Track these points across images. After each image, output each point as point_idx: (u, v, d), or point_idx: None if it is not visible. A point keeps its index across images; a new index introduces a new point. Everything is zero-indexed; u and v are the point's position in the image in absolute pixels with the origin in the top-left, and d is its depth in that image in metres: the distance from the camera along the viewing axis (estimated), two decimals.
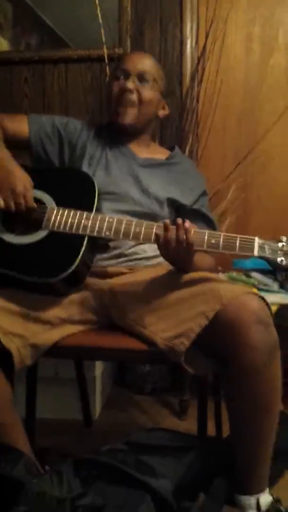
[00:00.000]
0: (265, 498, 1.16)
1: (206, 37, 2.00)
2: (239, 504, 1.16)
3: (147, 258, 1.48)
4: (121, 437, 1.26)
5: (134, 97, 1.51)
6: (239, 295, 1.14)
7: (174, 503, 1.11)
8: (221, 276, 1.70)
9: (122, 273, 1.45)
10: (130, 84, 1.51)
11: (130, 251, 1.45)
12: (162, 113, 1.64)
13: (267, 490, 1.18)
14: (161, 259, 1.45)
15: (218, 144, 2.12)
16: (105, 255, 1.44)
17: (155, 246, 1.38)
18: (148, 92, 1.53)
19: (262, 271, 1.69)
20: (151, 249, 1.47)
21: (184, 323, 1.19)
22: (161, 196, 1.50)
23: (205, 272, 1.35)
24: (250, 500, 1.15)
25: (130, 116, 1.52)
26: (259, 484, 1.16)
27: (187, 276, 1.31)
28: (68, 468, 1.14)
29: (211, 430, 1.49)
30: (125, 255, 1.46)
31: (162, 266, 1.43)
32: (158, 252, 1.40)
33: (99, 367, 1.98)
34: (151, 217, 1.46)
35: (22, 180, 1.35)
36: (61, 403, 1.91)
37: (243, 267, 1.73)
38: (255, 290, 1.49)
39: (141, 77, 1.52)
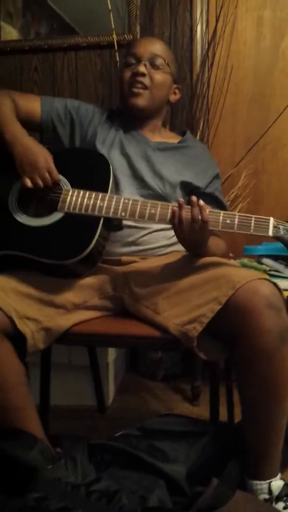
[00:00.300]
0: (277, 483, 1.17)
1: (216, 21, 1.99)
2: (251, 488, 1.17)
3: (160, 247, 1.48)
4: (134, 423, 1.27)
5: (146, 80, 1.51)
6: (252, 280, 1.14)
7: (187, 488, 1.12)
8: (233, 262, 1.70)
9: (135, 262, 1.45)
10: (142, 68, 1.50)
11: (143, 240, 1.46)
12: (173, 98, 1.63)
13: (279, 475, 1.19)
14: (173, 248, 1.46)
15: (229, 130, 2.10)
16: (117, 246, 1.45)
17: (168, 235, 1.38)
18: (160, 75, 1.53)
19: (274, 257, 1.68)
20: (163, 239, 1.48)
21: (197, 308, 1.20)
22: (174, 179, 1.49)
23: (218, 258, 1.35)
24: (262, 485, 1.16)
25: (143, 98, 1.52)
26: (271, 469, 1.17)
27: (199, 262, 1.31)
28: (82, 454, 1.15)
29: (223, 415, 1.50)
30: (138, 245, 1.46)
31: (174, 254, 1.43)
32: (170, 241, 1.41)
33: (112, 353, 2.00)
34: (164, 200, 1.45)
35: (42, 153, 1.35)
36: (75, 390, 1.92)
37: (254, 253, 1.73)
38: (266, 276, 1.49)
39: (153, 61, 1.52)
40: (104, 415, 1.90)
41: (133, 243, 1.45)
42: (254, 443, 1.17)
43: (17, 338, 1.22)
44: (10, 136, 1.37)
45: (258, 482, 1.17)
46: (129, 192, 1.46)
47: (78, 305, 1.36)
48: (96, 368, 1.85)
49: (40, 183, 1.34)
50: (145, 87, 1.51)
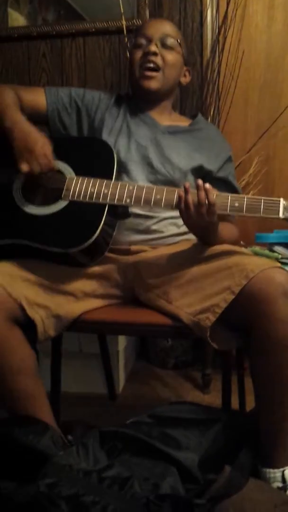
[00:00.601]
0: None
1: (227, 5, 1.95)
2: (264, 477, 1.16)
3: (170, 236, 1.47)
4: (145, 411, 1.27)
5: (159, 60, 1.48)
6: (266, 269, 1.13)
7: (199, 475, 1.12)
8: (245, 250, 1.68)
9: (145, 251, 1.44)
10: (153, 47, 1.47)
11: (152, 228, 1.44)
12: (184, 80, 1.60)
13: None
14: (183, 237, 1.45)
15: (240, 116, 2.07)
16: (127, 235, 1.43)
17: (178, 223, 1.37)
18: (172, 55, 1.50)
19: (286, 245, 1.66)
20: (173, 228, 1.46)
21: (210, 298, 1.19)
22: (184, 165, 1.47)
23: (230, 245, 1.34)
24: (276, 473, 1.16)
25: (156, 81, 1.49)
26: (284, 457, 1.17)
27: (211, 250, 1.30)
28: (94, 441, 1.15)
29: (234, 403, 1.50)
30: (147, 234, 1.44)
31: (184, 243, 1.42)
32: (181, 230, 1.39)
33: (122, 341, 2.00)
34: (174, 185, 1.44)
35: (40, 139, 1.33)
36: (85, 377, 1.93)
37: (266, 241, 1.71)
38: (279, 265, 1.47)
39: (164, 41, 1.49)
40: (114, 402, 1.90)
41: (143, 232, 1.44)
42: (268, 431, 1.17)
43: (27, 326, 1.22)
44: (9, 122, 1.36)
45: (271, 470, 1.16)
46: (139, 179, 1.44)
47: (88, 293, 1.36)
48: (107, 356, 1.85)
49: (37, 168, 1.31)
50: (157, 68, 1.48)
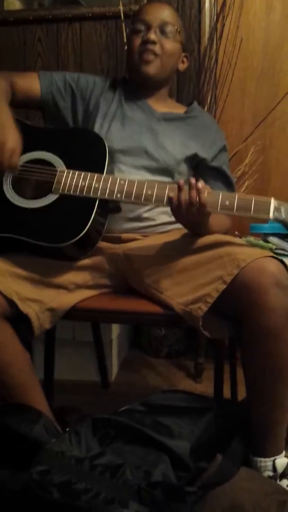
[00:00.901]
0: (282, 460, 1.17)
1: None
2: (255, 465, 1.17)
3: (161, 225, 1.46)
4: (138, 399, 1.27)
5: (157, 48, 1.46)
6: (258, 258, 1.13)
7: (191, 463, 1.13)
8: (237, 240, 1.68)
9: (136, 239, 1.44)
10: (152, 36, 1.45)
11: (144, 216, 1.43)
12: (182, 66, 1.58)
13: (284, 452, 1.19)
14: (175, 225, 1.44)
15: (237, 104, 2.06)
16: (118, 222, 1.42)
17: (169, 212, 1.36)
18: (171, 44, 1.47)
19: (280, 236, 1.66)
20: (165, 216, 1.45)
21: (201, 287, 1.18)
22: (179, 153, 1.46)
23: (221, 235, 1.33)
24: (267, 462, 1.16)
25: (154, 66, 1.47)
26: (275, 446, 1.17)
27: (203, 240, 1.29)
28: (86, 428, 1.15)
29: (226, 393, 1.51)
30: (139, 221, 1.44)
31: (175, 232, 1.41)
32: (172, 218, 1.39)
33: (115, 330, 2.00)
34: (168, 172, 1.44)
35: (11, 137, 1.31)
36: (79, 365, 1.93)
37: (260, 231, 1.71)
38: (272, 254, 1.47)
39: (163, 29, 1.46)
40: (107, 390, 1.91)
41: (134, 219, 1.43)
42: (259, 421, 1.17)
43: (20, 320, 1.22)
44: None
45: (262, 459, 1.17)
46: (132, 165, 1.43)
47: (80, 285, 1.36)
48: (100, 344, 1.85)
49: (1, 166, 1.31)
50: (156, 55, 1.46)
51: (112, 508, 0.94)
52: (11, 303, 1.20)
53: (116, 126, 1.47)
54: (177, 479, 1.09)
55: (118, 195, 1.28)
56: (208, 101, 1.98)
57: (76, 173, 1.31)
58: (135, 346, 2.28)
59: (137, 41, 1.47)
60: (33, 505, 0.99)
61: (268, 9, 2.02)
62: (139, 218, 1.43)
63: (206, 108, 1.96)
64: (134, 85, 1.54)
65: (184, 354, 2.18)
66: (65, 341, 1.86)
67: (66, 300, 1.31)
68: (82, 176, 1.30)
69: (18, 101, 1.48)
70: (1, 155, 1.30)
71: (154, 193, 1.26)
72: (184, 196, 1.20)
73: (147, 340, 2.21)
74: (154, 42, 1.45)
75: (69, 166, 1.34)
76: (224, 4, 1.95)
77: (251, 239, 1.69)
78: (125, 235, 1.43)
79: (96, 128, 1.46)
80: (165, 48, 1.47)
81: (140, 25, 1.48)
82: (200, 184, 1.19)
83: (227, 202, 1.20)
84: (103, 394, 1.87)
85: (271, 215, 1.16)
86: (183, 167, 1.48)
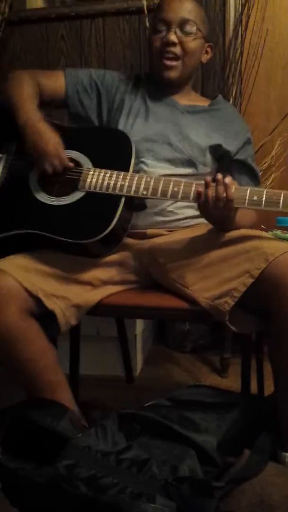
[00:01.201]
0: None
1: None
2: (284, 461, 1.15)
3: (186, 219, 1.45)
4: (163, 394, 1.27)
5: (178, 49, 1.44)
6: (286, 252, 1.11)
7: (218, 458, 1.12)
8: (264, 234, 1.66)
9: (161, 235, 1.43)
10: (172, 37, 1.43)
11: (168, 210, 1.43)
12: (205, 57, 1.56)
13: None
14: (199, 220, 1.43)
15: (263, 97, 2.03)
16: (143, 218, 1.42)
17: (194, 206, 1.35)
18: (192, 43, 1.45)
19: None
20: (190, 210, 1.44)
21: (228, 282, 1.17)
22: (202, 143, 1.45)
23: (248, 229, 1.32)
24: None
25: (175, 69, 1.46)
26: None
27: (229, 234, 1.28)
28: (112, 423, 1.15)
29: (253, 387, 1.49)
30: (163, 216, 1.43)
31: (201, 227, 1.40)
32: (196, 212, 1.38)
33: (139, 325, 1.99)
34: (192, 163, 1.43)
35: (52, 140, 1.33)
36: (103, 360, 1.94)
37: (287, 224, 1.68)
38: None
39: (184, 27, 1.44)
40: (132, 385, 1.91)
41: (159, 214, 1.43)
42: (287, 415, 1.15)
43: (46, 317, 1.22)
44: (23, 118, 1.36)
45: None
46: (156, 158, 1.43)
47: (105, 281, 1.36)
48: (124, 339, 1.85)
49: (49, 168, 1.33)
50: (176, 57, 1.45)
51: (139, 502, 0.94)
52: (36, 299, 1.20)
53: (140, 122, 1.47)
54: (204, 474, 1.08)
55: (144, 192, 1.29)
56: (234, 93, 1.96)
57: (103, 171, 1.32)
58: (159, 341, 2.27)
59: (157, 42, 1.46)
60: (60, 499, 1.00)
61: None
62: (163, 212, 1.43)
63: (231, 101, 1.94)
64: (157, 81, 1.53)
65: (209, 349, 2.16)
66: (90, 336, 1.86)
67: (91, 296, 1.31)
68: (108, 174, 1.31)
69: (44, 100, 1.48)
70: (47, 160, 1.32)
71: (181, 190, 1.26)
72: (212, 192, 1.19)
73: (171, 335, 2.20)
74: (174, 44, 1.43)
75: (96, 164, 1.35)
76: None
77: (278, 232, 1.67)
78: (150, 231, 1.43)
79: (121, 125, 1.47)
80: (186, 48, 1.45)
81: (160, 25, 1.46)
82: (228, 179, 1.19)
83: (255, 197, 1.19)
84: (127, 389, 1.88)
85: None
86: (208, 158, 1.47)
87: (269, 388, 1.26)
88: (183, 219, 1.45)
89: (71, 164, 1.35)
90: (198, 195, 1.21)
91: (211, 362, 2.09)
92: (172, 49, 1.44)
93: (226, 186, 1.18)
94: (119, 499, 0.95)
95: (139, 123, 1.46)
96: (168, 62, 1.45)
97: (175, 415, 1.19)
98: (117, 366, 1.92)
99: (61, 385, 1.25)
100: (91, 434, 1.10)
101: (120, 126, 1.47)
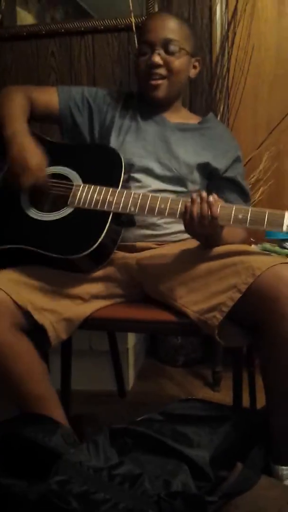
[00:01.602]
0: None
1: (236, 0, 1.94)
2: (277, 474, 1.15)
3: (175, 233, 1.46)
4: (155, 408, 1.26)
5: (163, 70, 1.46)
6: (274, 265, 1.12)
7: (211, 472, 1.11)
8: (254, 247, 1.67)
9: (151, 248, 1.44)
10: (156, 58, 1.44)
11: (157, 223, 1.44)
12: (193, 72, 1.56)
13: None
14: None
15: (250, 112, 2.06)
16: (132, 231, 1.42)
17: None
18: (177, 62, 1.46)
19: None
20: (179, 225, 1.43)
21: (216, 296, 1.18)
22: (191, 161, 1.46)
23: (236, 245, 1.33)
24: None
25: (161, 89, 1.48)
26: None
27: (217, 248, 1.29)
28: (104, 438, 1.15)
29: (245, 400, 1.49)
30: (153, 229, 1.44)
31: (191, 241, 1.40)
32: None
33: (131, 339, 1.99)
34: (181, 181, 1.45)
35: (35, 155, 1.32)
36: (95, 375, 1.93)
37: (276, 237, 1.70)
38: None
39: (167, 47, 1.44)
40: (124, 400, 1.90)
41: (148, 227, 1.43)
42: (279, 428, 1.16)
43: (36, 331, 1.22)
44: (8, 134, 1.36)
45: (283, 467, 1.15)
46: (146, 175, 1.44)
47: (95, 295, 1.36)
48: (116, 353, 1.85)
49: (25, 184, 1.31)
50: (163, 77, 1.47)
51: None
52: (26, 314, 1.20)
53: (131, 138, 1.48)
54: (197, 489, 1.07)
55: (132, 209, 1.29)
56: (221, 109, 1.98)
57: (92, 187, 1.33)
58: (151, 355, 2.27)
59: (143, 63, 1.47)
60: None
61: (279, 16, 2.02)
62: (152, 227, 1.43)
63: (219, 117, 1.96)
64: (146, 99, 1.54)
65: (201, 363, 2.17)
66: (81, 351, 1.86)
67: (81, 310, 1.31)
68: (97, 190, 1.32)
69: (36, 115, 1.50)
70: (29, 174, 1.30)
71: (168, 206, 1.27)
72: (196, 209, 1.20)
73: (163, 349, 2.20)
74: (158, 65, 1.45)
75: (86, 180, 1.36)
76: (235, 12, 1.95)
77: (267, 245, 1.68)
78: (139, 244, 1.44)
79: (112, 141, 1.48)
80: (171, 67, 1.46)
81: (144, 46, 1.47)
82: (212, 197, 1.20)
83: (240, 216, 1.19)
84: (119, 404, 1.87)
85: (285, 228, 1.16)
86: (196, 176, 1.48)
87: (261, 401, 1.26)
88: (172, 233, 1.46)
89: (52, 181, 1.36)
90: (184, 208, 1.22)
91: (203, 375, 2.09)
92: (157, 70, 1.45)
93: (210, 204, 1.19)
94: None
95: (130, 141, 1.47)
96: (154, 82, 1.47)
97: (168, 430, 1.19)
98: (109, 380, 1.91)
99: (52, 400, 1.25)
100: (83, 449, 1.10)
101: (111, 143, 1.48)
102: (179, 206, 1.25)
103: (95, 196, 1.32)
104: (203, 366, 2.14)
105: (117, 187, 1.33)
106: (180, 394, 1.93)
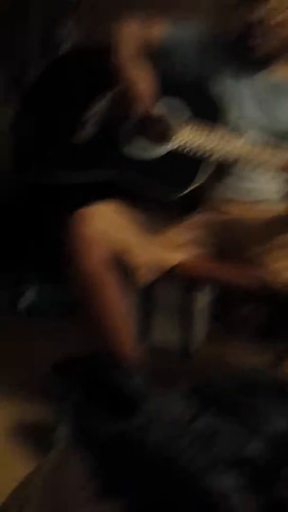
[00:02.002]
0: None
1: None
2: None
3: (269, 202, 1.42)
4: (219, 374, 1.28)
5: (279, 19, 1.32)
6: None
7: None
8: None
9: (242, 209, 1.41)
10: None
11: (250, 187, 1.41)
12: None
13: None
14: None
15: None
16: (224, 190, 1.41)
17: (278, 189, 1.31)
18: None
19: None
20: (273, 192, 1.40)
21: None
22: None
23: None
24: None
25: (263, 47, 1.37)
26: None
27: None
28: (183, 391, 1.15)
29: None
30: (246, 194, 1.42)
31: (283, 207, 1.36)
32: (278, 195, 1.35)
33: (202, 301, 1.98)
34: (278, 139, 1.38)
35: (144, 82, 1.32)
36: (161, 333, 1.92)
37: None
38: None
39: None
40: (188, 361, 1.90)
41: (242, 192, 1.41)
42: None
43: (125, 270, 1.25)
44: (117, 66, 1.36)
45: None
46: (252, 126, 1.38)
47: (183, 244, 1.36)
48: (186, 314, 1.85)
49: (137, 113, 1.32)
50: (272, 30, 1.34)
51: (210, 474, 0.92)
52: (119, 249, 1.23)
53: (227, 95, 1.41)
54: (271, 458, 1.05)
55: (234, 156, 1.25)
56: None
57: (195, 128, 1.30)
58: (220, 322, 2.23)
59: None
60: (126, 455, 1.00)
61: None
62: (245, 193, 1.41)
63: None
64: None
65: (272, 334, 2.11)
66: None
67: (171, 256, 1.33)
68: (199, 132, 1.29)
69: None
70: (139, 108, 1.31)
71: (271, 157, 1.22)
72: None
73: (234, 316, 2.17)
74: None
75: (193, 119, 1.32)
76: None
77: None
78: (230, 204, 1.41)
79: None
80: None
81: None
82: None
83: None
84: (184, 364, 1.86)
85: None
86: None
87: None
88: (265, 200, 1.42)
89: (159, 114, 1.33)
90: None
91: (272, 348, 2.03)
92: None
93: None
94: (190, 469, 0.94)
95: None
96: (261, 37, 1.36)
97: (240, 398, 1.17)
98: (174, 339, 1.91)
99: (131, 337, 1.26)
100: (162, 397, 1.10)
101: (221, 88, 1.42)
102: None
103: (196, 138, 1.28)
104: (274, 338, 2.08)
105: (220, 129, 1.29)
106: (245, 364, 1.89)
